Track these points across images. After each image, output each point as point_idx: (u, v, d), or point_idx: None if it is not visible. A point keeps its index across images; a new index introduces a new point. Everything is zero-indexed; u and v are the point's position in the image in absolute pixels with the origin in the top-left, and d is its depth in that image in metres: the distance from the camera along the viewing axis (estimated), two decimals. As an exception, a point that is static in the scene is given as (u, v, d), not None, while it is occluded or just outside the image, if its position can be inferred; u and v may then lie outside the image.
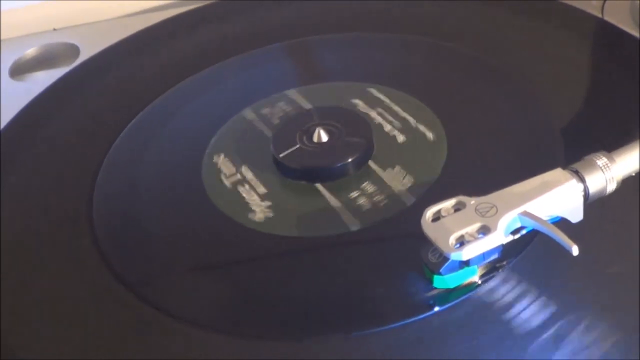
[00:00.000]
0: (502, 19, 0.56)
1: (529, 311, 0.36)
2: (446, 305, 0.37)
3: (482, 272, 0.37)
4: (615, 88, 0.48)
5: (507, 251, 0.37)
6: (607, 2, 0.57)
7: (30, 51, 0.65)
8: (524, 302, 0.37)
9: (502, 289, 0.37)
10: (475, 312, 0.37)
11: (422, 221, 0.36)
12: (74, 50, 0.64)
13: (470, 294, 0.37)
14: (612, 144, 0.39)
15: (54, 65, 0.64)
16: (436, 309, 0.37)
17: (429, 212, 0.36)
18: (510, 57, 0.52)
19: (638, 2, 0.55)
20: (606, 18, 0.56)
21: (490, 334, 0.36)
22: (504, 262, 0.38)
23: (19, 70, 0.64)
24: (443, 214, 0.36)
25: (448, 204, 0.36)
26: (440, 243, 0.35)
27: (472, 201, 0.36)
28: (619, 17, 0.56)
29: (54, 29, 0.67)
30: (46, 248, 0.44)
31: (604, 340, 0.35)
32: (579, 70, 0.50)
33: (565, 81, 0.49)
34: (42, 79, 0.60)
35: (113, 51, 0.60)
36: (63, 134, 0.53)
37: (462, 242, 0.35)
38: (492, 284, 0.37)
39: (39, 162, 0.51)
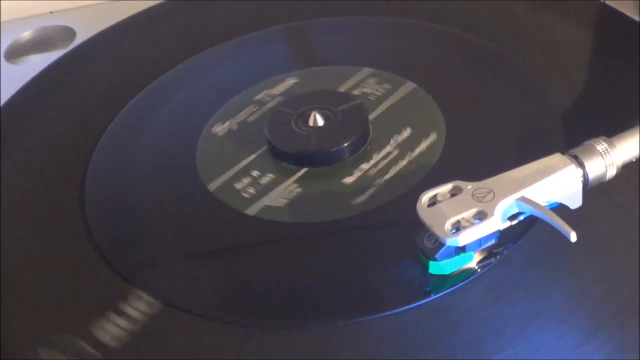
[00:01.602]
0: (502, 3, 0.55)
1: (527, 300, 0.36)
2: (442, 292, 0.36)
3: (479, 258, 0.37)
4: (616, 73, 0.48)
5: (505, 237, 0.37)
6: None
7: (26, 34, 0.65)
8: (521, 290, 0.36)
9: (500, 276, 0.37)
10: (471, 300, 0.36)
11: (418, 206, 0.36)
12: (70, 33, 0.63)
13: (467, 280, 0.36)
14: (614, 129, 0.38)
15: (50, 49, 0.64)
16: (432, 295, 0.36)
17: (425, 197, 0.36)
18: (511, 41, 0.52)
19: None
20: (608, 2, 0.55)
21: (487, 322, 0.35)
22: (502, 249, 0.37)
23: (15, 53, 0.63)
24: (439, 199, 0.36)
25: (444, 188, 0.36)
26: (435, 228, 0.34)
27: (469, 186, 0.36)
28: (621, 2, 0.55)
29: (50, 12, 0.67)
30: (36, 234, 0.44)
31: (603, 331, 0.35)
32: (580, 54, 0.50)
33: (567, 66, 0.49)
34: (38, 62, 0.60)
35: (109, 34, 0.60)
36: (58, 117, 0.53)
37: (458, 227, 0.35)
38: (489, 271, 0.37)
39: (33, 145, 0.51)
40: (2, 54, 0.62)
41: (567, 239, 0.34)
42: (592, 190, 0.37)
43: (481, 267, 0.37)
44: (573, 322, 0.35)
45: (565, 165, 0.36)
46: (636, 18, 0.53)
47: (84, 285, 0.41)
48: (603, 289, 0.36)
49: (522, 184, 0.35)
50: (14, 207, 0.46)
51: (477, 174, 0.37)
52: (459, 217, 0.35)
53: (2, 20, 0.66)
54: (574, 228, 0.34)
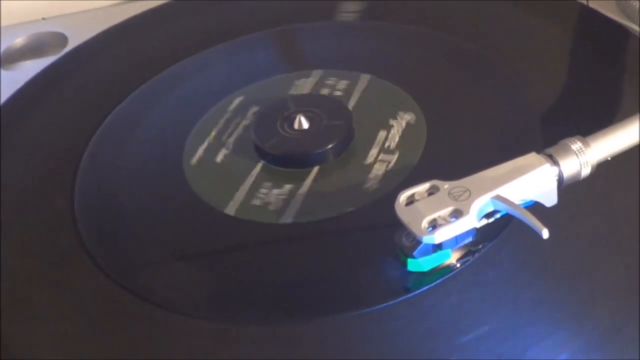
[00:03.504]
0: (484, 4, 0.56)
1: (505, 296, 0.37)
2: (420, 289, 0.37)
3: (458, 256, 0.38)
4: (593, 74, 0.48)
5: (483, 235, 0.37)
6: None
7: (19, 40, 0.65)
8: (499, 287, 0.37)
9: (478, 272, 0.37)
10: (450, 296, 0.37)
11: (396, 205, 0.36)
12: (62, 39, 0.64)
13: (445, 277, 0.37)
14: (589, 128, 0.39)
15: (42, 54, 0.64)
16: (411, 292, 0.37)
17: (403, 196, 0.36)
18: (492, 42, 0.52)
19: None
20: (591, 5, 0.56)
21: (466, 318, 0.36)
22: (479, 246, 0.38)
23: (8, 59, 0.64)
24: (417, 197, 0.36)
25: (422, 188, 0.37)
26: (413, 226, 0.35)
27: (445, 185, 0.36)
28: (604, 4, 0.56)
29: (43, 18, 0.67)
30: (27, 237, 0.45)
31: (585, 330, 0.35)
32: (558, 55, 0.50)
33: (544, 66, 0.50)
34: (31, 68, 0.61)
35: (100, 40, 0.60)
36: (50, 122, 0.53)
37: (434, 225, 0.35)
38: (467, 267, 0.38)
39: (25, 149, 0.51)
40: (-5, 60, 0.63)
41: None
42: (568, 188, 0.38)
43: (459, 264, 0.37)
44: (551, 318, 0.36)
45: (540, 164, 0.37)
46: (619, 20, 0.53)
47: (74, 286, 0.41)
48: (582, 285, 0.37)
49: (498, 183, 0.36)
50: (6, 210, 0.46)
51: (458, 174, 0.37)
52: (435, 215, 0.35)
53: (-5, 26, 0.67)
54: (552, 225, 0.34)
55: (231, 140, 0.48)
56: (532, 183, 0.36)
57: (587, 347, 0.34)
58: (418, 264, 0.37)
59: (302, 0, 0.61)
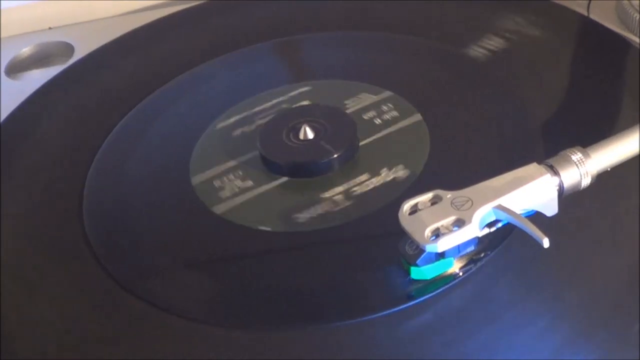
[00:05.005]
0: (485, 15, 0.57)
1: (507, 303, 0.37)
2: (424, 297, 0.37)
3: (461, 264, 0.38)
4: (593, 85, 0.49)
5: (485, 243, 0.38)
6: (592, 1, 0.58)
7: (26, 50, 0.65)
8: (502, 294, 0.38)
9: (480, 281, 0.38)
10: (453, 303, 0.37)
11: (400, 214, 0.37)
12: (68, 49, 0.64)
13: (448, 285, 0.38)
14: (593, 139, 0.39)
15: (49, 64, 0.64)
16: (414, 300, 0.37)
17: (406, 206, 0.37)
18: (493, 53, 0.53)
19: (624, 1, 0.56)
20: (592, 16, 0.56)
21: (468, 324, 0.37)
22: (482, 255, 0.38)
23: (15, 68, 0.64)
24: (420, 207, 0.37)
25: (425, 197, 0.37)
26: (416, 235, 0.36)
27: (448, 195, 0.37)
28: (604, 16, 0.57)
29: (49, 28, 0.68)
30: (37, 245, 0.45)
31: (584, 335, 0.36)
32: (561, 67, 0.51)
33: (548, 78, 0.50)
34: (38, 77, 0.61)
35: (107, 50, 0.61)
36: (57, 131, 0.54)
37: (437, 234, 0.36)
38: (470, 276, 0.38)
39: (32, 159, 0.52)
40: (2, 70, 0.63)
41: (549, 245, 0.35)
42: (569, 198, 0.38)
43: (462, 273, 0.38)
44: (552, 325, 0.36)
45: (541, 175, 0.37)
46: (620, 32, 0.54)
47: (81, 290, 0.42)
48: (583, 294, 0.37)
49: (499, 193, 0.36)
50: (14, 220, 0.47)
51: (460, 184, 0.37)
52: (438, 224, 0.36)
53: (2, 36, 0.67)
54: (554, 234, 0.35)
55: (237, 150, 0.48)
56: (533, 193, 0.37)
57: (588, 352, 0.35)
58: (421, 272, 0.37)
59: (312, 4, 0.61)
